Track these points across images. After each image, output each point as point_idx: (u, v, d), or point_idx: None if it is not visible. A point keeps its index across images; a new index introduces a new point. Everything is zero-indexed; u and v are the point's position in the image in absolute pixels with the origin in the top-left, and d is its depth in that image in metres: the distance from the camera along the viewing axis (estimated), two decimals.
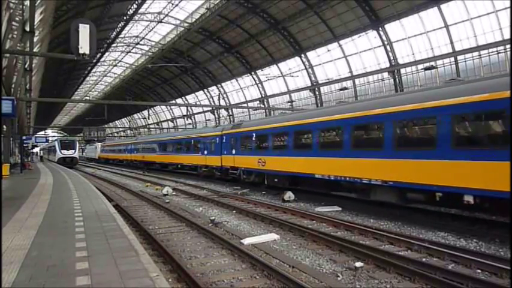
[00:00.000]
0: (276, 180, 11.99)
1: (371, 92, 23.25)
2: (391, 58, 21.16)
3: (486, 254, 5.41)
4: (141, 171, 26.84)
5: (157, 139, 26.07)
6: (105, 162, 42.52)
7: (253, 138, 13.08)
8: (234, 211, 9.53)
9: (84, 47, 6.83)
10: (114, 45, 34.21)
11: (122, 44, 36.11)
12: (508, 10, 15.20)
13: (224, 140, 15.34)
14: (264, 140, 12.54)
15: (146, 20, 30.52)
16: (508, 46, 15.66)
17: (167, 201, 11.26)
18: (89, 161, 52.27)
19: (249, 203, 10.70)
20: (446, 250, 5.49)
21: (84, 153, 60.42)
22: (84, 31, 6.81)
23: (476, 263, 4.98)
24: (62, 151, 33.27)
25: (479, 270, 4.85)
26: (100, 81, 50.67)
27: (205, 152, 17.34)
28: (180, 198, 12.15)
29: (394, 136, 7.68)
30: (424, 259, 5.33)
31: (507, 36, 15.52)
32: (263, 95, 32.27)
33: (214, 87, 37.50)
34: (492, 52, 16.72)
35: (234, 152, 14.43)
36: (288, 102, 28.60)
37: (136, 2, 24.70)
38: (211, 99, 39.35)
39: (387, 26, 20.64)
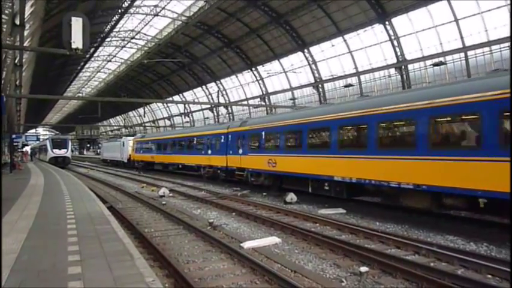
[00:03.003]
0: None
1: (377, 89, 22.87)
2: (398, 53, 20.71)
3: (497, 259, 5.26)
4: (137, 171, 26.30)
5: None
6: (142, 168, 26.16)
7: None
8: (234, 213, 9.38)
9: (76, 41, 6.59)
10: (108, 39, 33.57)
11: (117, 39, 35.47)
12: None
13: None
14: None
15: (142, 14, 29.92)
16: None
17: (164, 203, 11.06)
18: (106, 164, 36.54)
19: (249, 205, 10.55)
20: (455, 254, 5.33)
21: (99, 154, 44.92)
22: (76, 24, 6.57)
23: (487, 268, 4.84)
24: (54, 150, 32.39)
25: (490, 276, 4.72)
26: (93, 77, 50.00)
27: None
28: (177, 200, 11.98)
29: None
30: (432, 264, 5.20)
31: None
32: (264, 92, 31.87)
33: (213, 84, 37.05)
34: (504, 47, 16.25)
35: None
36: (290, 99, 28.30)
37: None
38: (209, 96, 38.91)
39: (394, 20, 20.15)
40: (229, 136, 14.94)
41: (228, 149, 14.88)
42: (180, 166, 20.67)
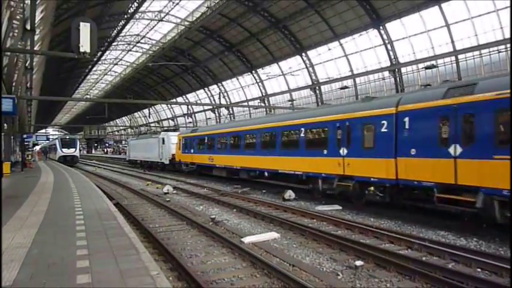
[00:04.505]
0: None
1: (371, 91, 23.24)
2: (392, 57, 21.18)
3: (486, 253, 5.40)
4: (142, 169, 26.77)
5: None
6: (192, 172, 19.19)
7: None
8: (235, 210, 9.54)
9: (84, 45, 6.84)
10: (114, 43, 34.28)
11: (123, 43, 36.18)
12: (509, 9, 15.19)
13: None
14: None
15: (147, 19, 30.53)
16: (509, 45, 15.65)
17: (168, 199, 11.27)
18: (133, 166, 29.63)
19: (249, 202, 10.71)
20: (446, 249, 5.49)
21: (126, 154, 36.00)
22: (84, 29, 6.82)
23: (477, 262, 4.99)
24: (63, 149, 33.24)
25: (479, 269, 4.86)
26: (101, 79, 50.84)
27: None
28: (181, 197, 12.16)
29: None
30: (424, 258, 5.34)
31: (508, 35, 15.53)
32: (264, 94, 32.34)
33: (214, 86, 37.59)
34: (493, 51, 16.77)
35: None
36: (289, 101, 28.69)
37: (137, 1, 24.71)
38: (211, 98, 39.42)
39: (388, 25, 20.67)
40: (406, 120, 7.53)
41: (402, 146, 7.62)
42: (267, 174, 12.49)
